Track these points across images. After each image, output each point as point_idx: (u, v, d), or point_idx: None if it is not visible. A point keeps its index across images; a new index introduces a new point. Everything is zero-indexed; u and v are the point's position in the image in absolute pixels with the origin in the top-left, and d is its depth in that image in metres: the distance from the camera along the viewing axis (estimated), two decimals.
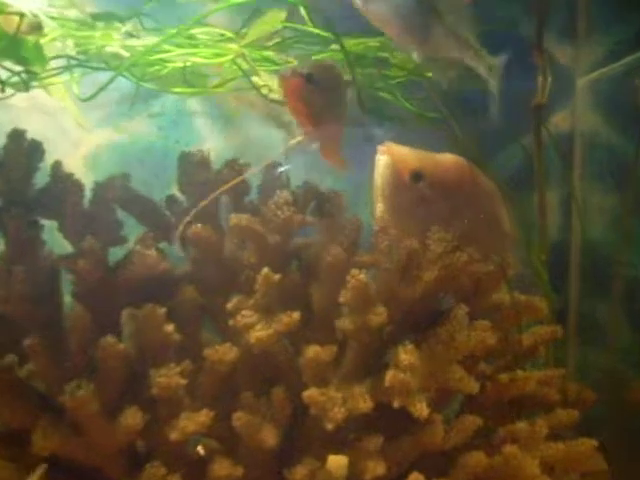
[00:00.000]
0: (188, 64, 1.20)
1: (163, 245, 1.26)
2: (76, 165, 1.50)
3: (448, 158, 1.32)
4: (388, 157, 1.31)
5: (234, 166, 1.23)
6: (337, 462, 1.20)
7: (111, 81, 1.24)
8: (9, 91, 1.21)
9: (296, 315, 1.15)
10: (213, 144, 1.52)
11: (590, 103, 1.55)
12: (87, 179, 1.27)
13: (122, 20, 1.15)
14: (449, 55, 1.24)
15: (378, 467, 1.14)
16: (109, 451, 1.14)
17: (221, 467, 1.14)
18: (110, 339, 1.12)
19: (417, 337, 1.21)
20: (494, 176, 1.37)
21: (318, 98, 1.18)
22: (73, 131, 1.43)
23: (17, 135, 1.22)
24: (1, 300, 1.13)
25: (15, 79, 1.17)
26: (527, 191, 1.47)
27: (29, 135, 1.22)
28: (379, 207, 1.30)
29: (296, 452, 1.18)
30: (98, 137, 1.47)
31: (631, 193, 1.42)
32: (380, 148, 1.30)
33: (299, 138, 1.17)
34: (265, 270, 1.16)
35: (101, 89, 1.24)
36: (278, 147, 1.44)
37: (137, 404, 1.14)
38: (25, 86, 1.19)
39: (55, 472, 1.15)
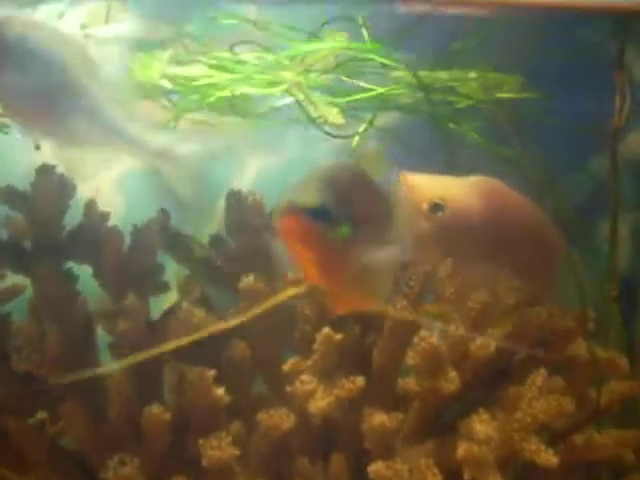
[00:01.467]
0: (237, 93, 1.07)
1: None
2: (107, 188, 1.37)
3: (473, 182, 1.21)
4: (404, 188, 1.19)
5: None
6: None
7: None
8: None
9: (359, 381, 1.05)
10: (257, 163, 1.39)
11: None
12: (118, 202, 1.16)
13: (164, 46, 1.01)
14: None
15: None
16: None
17: None
18: (156, 409, 1.02)
19: (487, 398, 1.12)
20: (561, 205, 1.27)
21: (329, 238, 0.85)
22: None
23: (46, 170, 1.10)
24: (34, 365, 1.02)
25: None
26: (594, 220, 1.36)
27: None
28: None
29: None
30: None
31: None
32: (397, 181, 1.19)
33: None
34: (326, 330, 1.05)
35: None
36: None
37: (183, 470, 1.06)
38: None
39: None
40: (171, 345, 1.03)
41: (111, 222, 1.16)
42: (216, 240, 1.16)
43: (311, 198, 0.83)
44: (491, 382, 1.16)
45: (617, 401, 1.20)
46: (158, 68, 1.03)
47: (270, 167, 1.43)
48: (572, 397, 1.15)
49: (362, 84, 1.16)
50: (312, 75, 1.13)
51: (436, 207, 1.22)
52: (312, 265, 0.86)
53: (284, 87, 1.07)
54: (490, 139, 1.24)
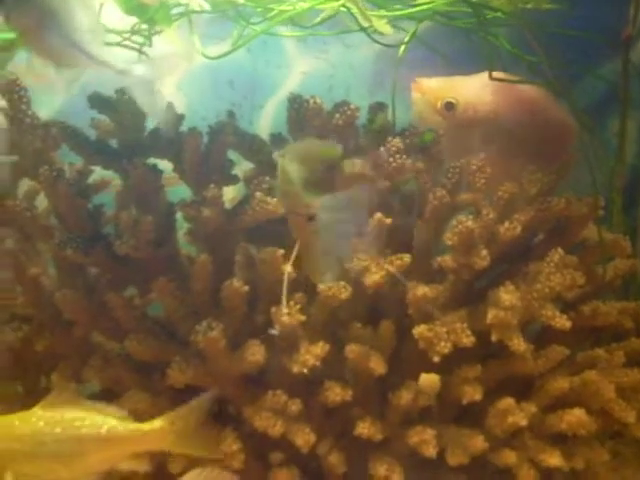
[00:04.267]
0: (297, 8, 1.20)
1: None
2: (169, 90, 1.51)
3: (485, 79, 1.34)
4: (418, 93, 1.34)
5: (345, 110, 1.26)
6: (429, 380, 1.34)
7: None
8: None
9: (407, 258, 1.23)
10: (303, 67, 1.53)
11: None
12: (181, 102, 1.30)
13: None
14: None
15: (476, 393, 1.26)
16: (234, 381, 1.26)
17: (334, 393, 1.26)
18: (235, 283, 1.20)
19: (512, 272, 1.31)
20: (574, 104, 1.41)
21: None
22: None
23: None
24: (132, 248, 1.19)
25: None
26: (606, 117, 1.51)
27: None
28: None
29: (401, 378, 1.30)
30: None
31: None
32: (412, 86, 1.33)
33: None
34: (378, 215, 1.23)
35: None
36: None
37: (256, 336, 1.26)
38: (149, 41, 1.20)
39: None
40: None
41: None
42: (277, 139, 1.32)
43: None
44: (516, 259, 1.35)
45: (620, 277, 1.40)
46: None
47: (315, 71, 1.57)
48: (582, 272, 1.35)
49: None
50: None
51: (449, 105, 1.38)
52: None
53: (341, 1, 1.21)
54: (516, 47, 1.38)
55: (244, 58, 1.52)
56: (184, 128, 1.29)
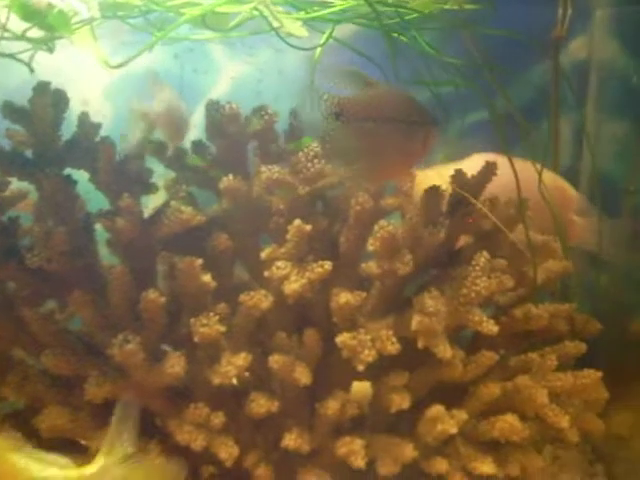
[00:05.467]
0: (208, 11, 1.18)
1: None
2: (96, 98, 1.48)
3: (471, 164, 1.32)
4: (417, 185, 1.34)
5: (263, 115, 1.24)
6: (361, 388, 1.31)
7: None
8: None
9: (328, 265, 1.21)
10: (232, 72, 1.51)
11: (609, 31, 1.54)
12: (107, 110, 1.28)
13: None
14: None
15: (404, 401, 1.24)
16: (156, 393, 1.23)
17: (259, 404, 1.23)
18: (153, 293, 1.18)
19: (439, 278, 1.29)
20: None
21: None
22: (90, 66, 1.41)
23: (42, 87, 1.22)
24: (45, 260, 1.17)
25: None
26: (540, 120, 1.49)
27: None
28: None
29: (327, 387, 1.27)
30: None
31: None
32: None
33: None
34: (297, 222, 1.21)
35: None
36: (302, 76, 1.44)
37: (178, 347, 1.23)
38: (50, 49, 1.18)
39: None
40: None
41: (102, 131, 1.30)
42: (198, 146, 1.30)
43: None
44: (445, 263, 1.33)
45: (553, 279, 1.38)
46: None
47: (244, 76, 1.55)
48: (512, 276, 1.33)
49: None
50: None
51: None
52: None
53: (252, 4, 1.19)
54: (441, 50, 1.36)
55: (171, 65, 1.50)
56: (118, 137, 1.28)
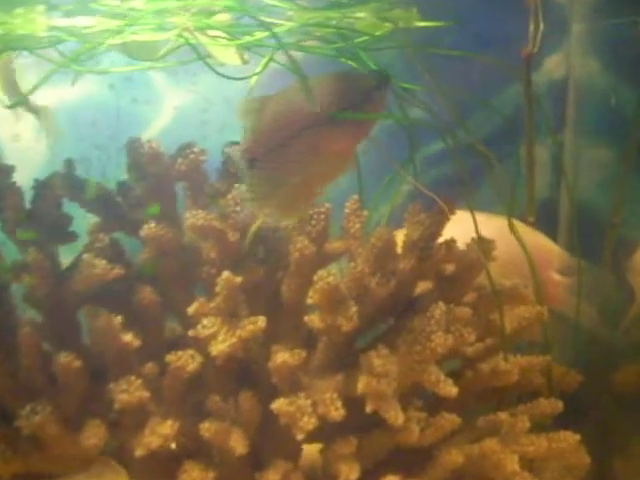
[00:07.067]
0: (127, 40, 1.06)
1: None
2: (26, 131, 1.37)
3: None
4: None
5: (189, 154, 1.11)
6: (314, 451, 1.18)
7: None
8: None
9: (261, 322, 1.08)
10: (175, 101, 1.39)
11: (587, 47, 1.39)
12: (39, 145, 1.17)
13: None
14: None
15: (352, 471, 1.10)
16: (74, 463, 1.11)
17: (191, 475, 1.11)
18: (65, 356, 1.06)
19: (395, 329, 1.16)
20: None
21: None
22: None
23: None
24: None
25: None
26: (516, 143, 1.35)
27: None
28: None
29: (268, 455, 1.14)
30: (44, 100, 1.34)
31: (631, 147, 1.29)
32: None
33: None
34: (226, 274, 1.08)
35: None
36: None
37: (101, 413, 1.11)
38: None
39: None
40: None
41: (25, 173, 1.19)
42: (122, 187, 1.17)
43: None
44: (400, 313, 1.19)
45: (526, 327, 1.23)
46: (42, 21, 1.02)
47: (187, 105, 1.43)
48: (479, 325, 1.19)
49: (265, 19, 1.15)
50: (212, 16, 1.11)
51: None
52: None
53: (175, 31, 1.06)
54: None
55: (107, 95, 1.38)
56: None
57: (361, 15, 1.09)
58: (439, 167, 1.39)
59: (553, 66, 1.42)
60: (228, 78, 1.09)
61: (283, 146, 0.96)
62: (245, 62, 1.16)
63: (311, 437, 1.10)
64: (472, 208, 1.18)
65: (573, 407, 1.21)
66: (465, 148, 1.24)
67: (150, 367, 1.12)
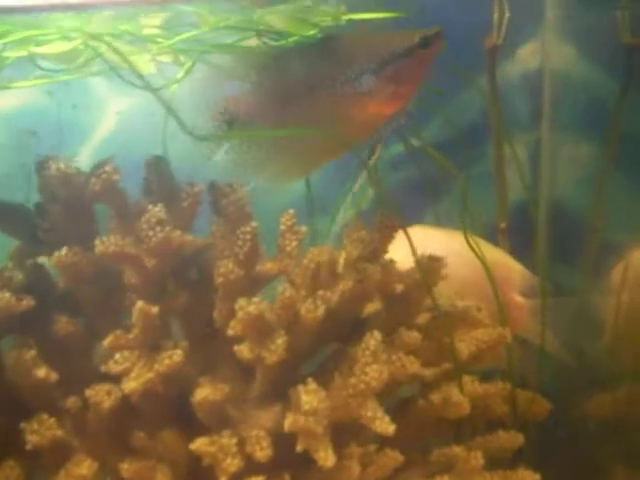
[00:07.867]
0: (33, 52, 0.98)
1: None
2: None
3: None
4: None
5: (101, 174, 1.02)
6: None
7: None
8: None
9: (177, 356, 0.99)
10: (117, 106, 1.30)
11: (562, 35, 1.23)
12: None
13: None
14: None
15: None
16: None
17: None
18: None
19: (337, 355, 1.06)
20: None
21: None
22: None
23: None
24: None
25: None
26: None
27: None
28: None
29: None
30: None
31: (613, 142, 1.15)
32: None
33: None
34: (140, 304, 0.99)
35: None
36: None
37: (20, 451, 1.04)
38: None
39: None
40: None
41: None
42: (40, 210, 1.09)
43: None
44: (345, 338, 1.09)
45: (486, 350, 1.11)
46: None
47: (133, 110, 1.33)
48: (431, 350, 1.08)
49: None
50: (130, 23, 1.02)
51: None
52: None
53: (81, 40, 0.97)
54: None
55: (46, 103, 1.30)
56: None
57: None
58: (405, 170, 1.27)
59: (527, 55, 1.27)
60: (141, 88, 1.00)
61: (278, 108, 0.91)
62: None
63: (243, 475, 1.02)
64: (436, 222, 1.07)
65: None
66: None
67: (73, 401, 1.05)
